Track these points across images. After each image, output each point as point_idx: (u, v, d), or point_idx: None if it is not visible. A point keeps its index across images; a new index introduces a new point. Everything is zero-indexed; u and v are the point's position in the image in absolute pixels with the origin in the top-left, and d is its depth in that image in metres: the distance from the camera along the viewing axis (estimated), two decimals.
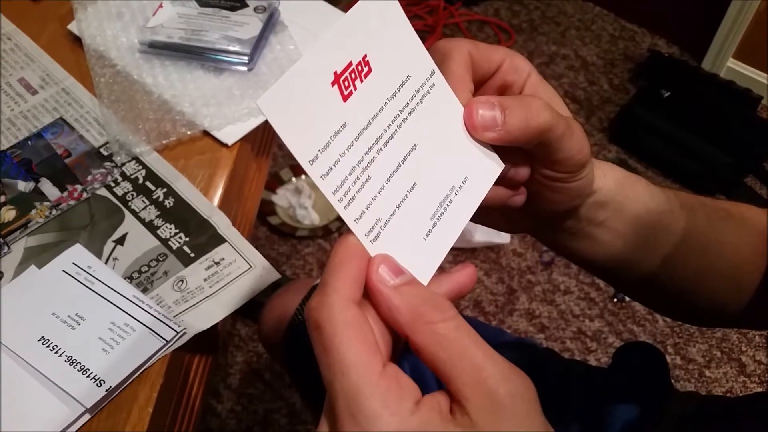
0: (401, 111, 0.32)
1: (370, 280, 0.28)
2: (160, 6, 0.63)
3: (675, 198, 0.47)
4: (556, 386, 0.66)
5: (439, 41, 0.35)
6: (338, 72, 0.29)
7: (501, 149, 0.35)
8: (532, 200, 0.39)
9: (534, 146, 0.35)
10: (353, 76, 0.29)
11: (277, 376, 1.41)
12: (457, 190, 0.33)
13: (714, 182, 1.69)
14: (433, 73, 0.33)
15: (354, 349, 0.26)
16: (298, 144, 0.27)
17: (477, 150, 0.34)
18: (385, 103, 0.31)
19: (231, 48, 0.60)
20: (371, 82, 0.30)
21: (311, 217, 1.61)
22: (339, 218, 1.60)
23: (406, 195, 0.31)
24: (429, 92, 0.33)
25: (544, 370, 0.69)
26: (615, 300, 1.53)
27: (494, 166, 0.35)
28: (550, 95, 0.37)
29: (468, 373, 0.25)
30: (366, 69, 0.30)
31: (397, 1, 0.32)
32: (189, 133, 0.56)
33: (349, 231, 0.29)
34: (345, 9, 0.39)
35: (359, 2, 0.30)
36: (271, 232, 1.61)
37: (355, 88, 0.29)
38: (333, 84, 0.29)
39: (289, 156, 1.56)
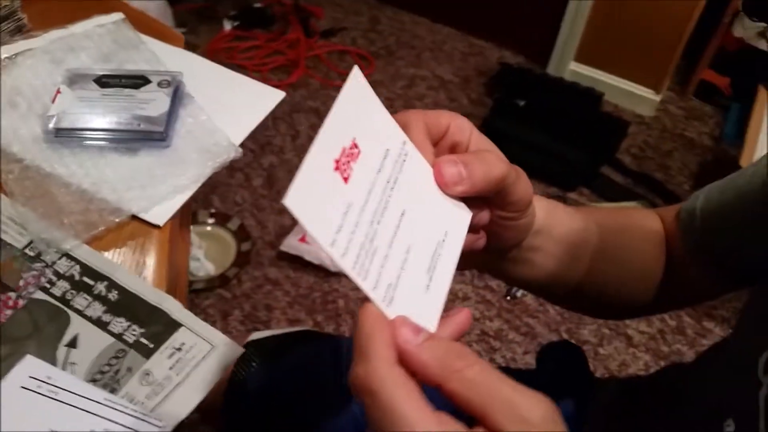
0: (388, 182, 0.35)
1: (398, 343, 0.31)
2: (58, 92, 0.62)
3: (587, 216, 0.54)
4: None
5: (395, 115, 0.38)
6: (336, 159, 0.32)
7: (465, 200, 0.40)
8: (488, 240, 0.44)
9: (493, 193, 0.40)
10: (348, 159, 0.33)
11: None
12: (442, 243, 0.37)
13: (575, 177, 1.85)
14: (405, 142, 0.37)
15: (413, 405, 0.29)
16: (320, 231, 0.30)
17: (449, 204, 0.39)
18: (376, 178, 0.34)
19: (143, 127, 0.60)
20: (362, 162, 0.34)
21: (206, 268, 1.58)
22: (235, 264, 1.59)
23: (406, 257, 0.35)
24: (405, 160, 0.37)
25: None
26: (508, 298, 1.63)
27: (465, 216, 0.40)
28: (491, 147, 0.41)
29: (501, 407, 0.29)
30: (356, 151, 0.33)
31: (369, 86, 0.35)
32: (117, 220, 0.56)
33: (365, 299, 0.32)
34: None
35: (340, 95, 0.33)
36: None
37: (352, 170, 0.33)
38: (335, 170, 0.32)
39: None
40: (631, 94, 2.10)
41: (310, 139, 0.30)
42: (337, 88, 0.37)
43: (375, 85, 2.00)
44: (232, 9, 2.25)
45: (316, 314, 1.55)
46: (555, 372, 0.74)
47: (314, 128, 1.49)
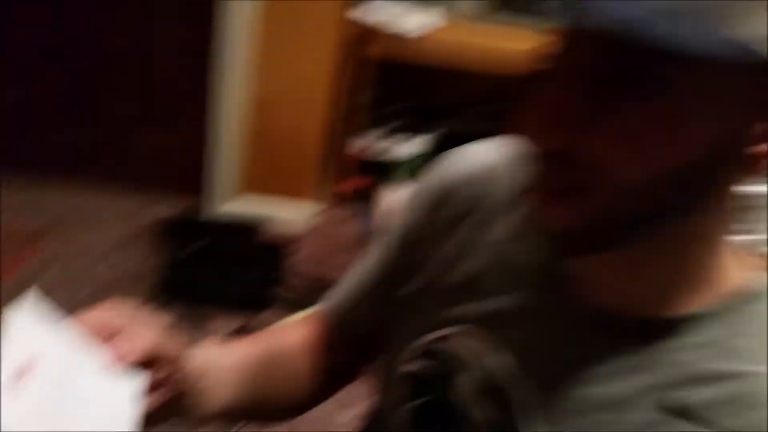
0: (63, 380, 0.43)
1: None
2: None
3: (244, 348, 0.68)
4: None
5: (73, 319, 0.47)
6: (18, 369, 0.38)
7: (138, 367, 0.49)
8: (169, 392, 0.54)
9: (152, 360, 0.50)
10: (24, 371, 0.39)
11: None
12: (123, 413, 0.46)
13: (258, 302, 1.99)
14: (74, 346, 0.45)
15: None
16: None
17: (124, 378, 0.47)
18: (53, 381, 0.41)
19: None
20: (40, 371, 0.40)
21: None
22: None
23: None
24: (78, 356, 0.44)
25: None
26: None
27: (140, 382, 0.49)
28: (149, 323, 0.52)
29: None
30: (34, 363, 0.40)
31: (41, 301, 0.43)
32: None
33: None
34: None
35: (11, 319, 0.40)
36: None
37: (28, 380, 0.39)
38: (13, 383, 0.38)
39: None
40: (289, 214, 2.35)
41: None
42: None
43: (40, 263, 1.90)
44: None
45: None
46: None
47: None
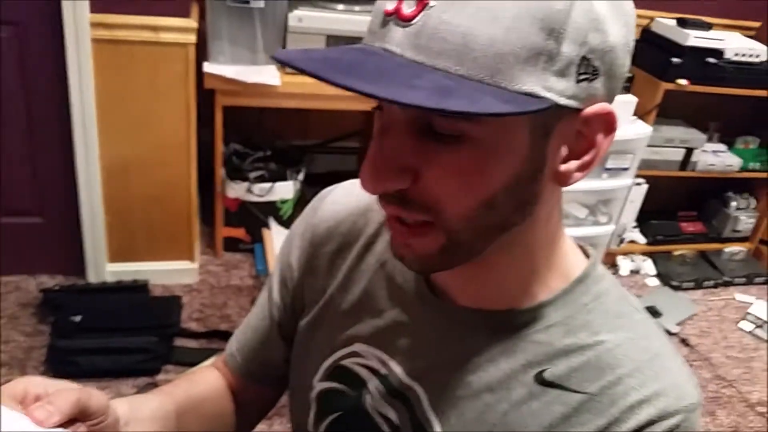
0: None
1: None
2: None
3: (163, 395, 0.68)
4: None
5: None
6: None
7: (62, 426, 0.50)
8: None
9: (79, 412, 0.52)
10: None
11: None
12: None
13: (155, 361, 2.00)
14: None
15: None
16: None
17: None
18: None
19: None
20: None
21: None
22: None
23: None
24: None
25: None
26: None
27: None
28: (62, 384, 0.53)
29: None
30: None
31: None
32: None
33: None
34: None
35: None
36: None
37: None
38: None
39: None
40: (172, 271, 2.36)
41: None
42: None
43: None
44: None
45: None
46: None
47: None
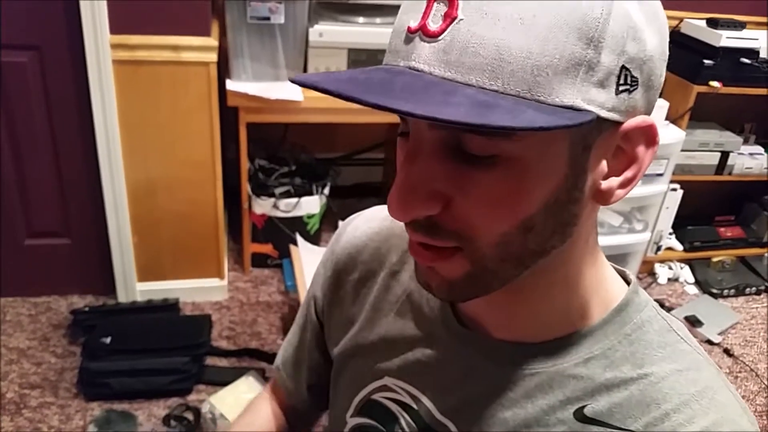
0: None
1: None
2: None
3: None
4: None
5: None
6: None
7: None
8: None
9: None
10: None
11: None
12: None
13: (187, 380, 2.00)
14: None
15: None
16: None
17: None
18: None
19: None
20: None
21: None
22: None
23: None
24: None
25: None
26: None
27: None
28: None
29: None
30: None
31: None
32: None
33: None
34: None
35: None
36: None
37: None
38: None
39: None
40: (202, 289, 2.37)
41: None
42: None
43: None
44: None
45: None
46: None
47: None
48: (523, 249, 0.47)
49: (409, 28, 0.43)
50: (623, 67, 0.43)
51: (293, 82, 0.42)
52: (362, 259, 0.68)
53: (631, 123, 0.45)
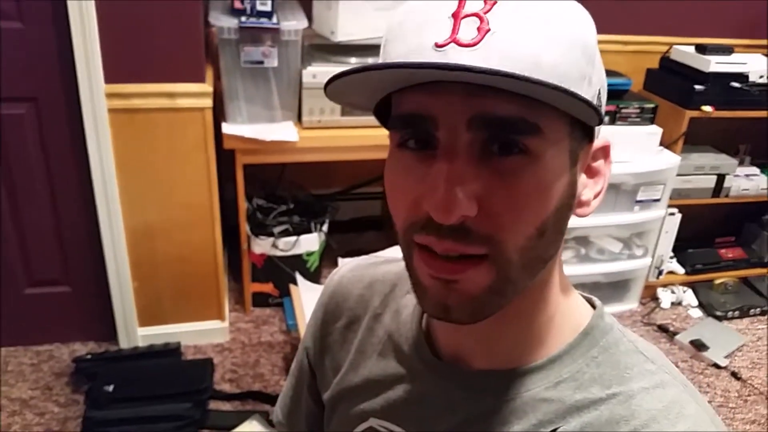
0: None
1: None
2: None
3: None
4: None
5: None
6: None
7: None
8: None
9: None
10: None
11: None
12: None
13: (190, 426, 1.98)
14: None
15: None
16: None
17: None
18: None
19: None
20: None
21: None
22: None
23: None
24: None
25: None
26: None
27: None
28: None
29: None
30: None
31: None
32: None
33: None
34: None
35: None
36: None
37: None
38: None
39: None
40: (203, 332, 2.36)
41: None
42: None
43: None
44: None
45: None
46: None
47: None
48: (537, 255, 0.49)
49: (436, 43, 0.44)
50: (600, 89, 0.50)
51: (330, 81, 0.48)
52: (348, 306, 0.71)
53: (598, 143, 0.53)
